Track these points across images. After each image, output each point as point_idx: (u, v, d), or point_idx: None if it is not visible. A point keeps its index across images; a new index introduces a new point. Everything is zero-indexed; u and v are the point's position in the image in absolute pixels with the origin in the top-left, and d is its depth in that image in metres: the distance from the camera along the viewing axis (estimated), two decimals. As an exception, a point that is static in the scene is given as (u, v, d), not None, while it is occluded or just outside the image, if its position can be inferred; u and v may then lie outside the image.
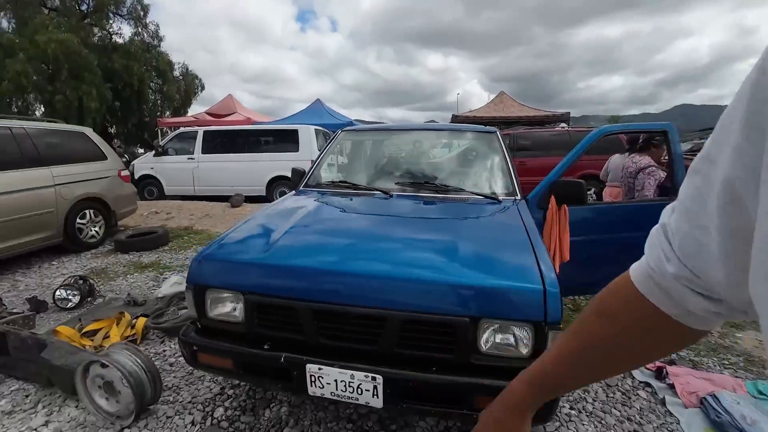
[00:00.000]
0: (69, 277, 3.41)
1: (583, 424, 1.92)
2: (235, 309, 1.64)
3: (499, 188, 2.40)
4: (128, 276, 4.06)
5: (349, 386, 1.46)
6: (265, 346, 1.56)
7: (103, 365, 1.87)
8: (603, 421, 1.95)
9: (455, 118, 10.93)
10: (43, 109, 17.05)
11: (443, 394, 1.41)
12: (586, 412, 2.01)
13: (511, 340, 1.38)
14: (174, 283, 3.51)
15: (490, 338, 1.39)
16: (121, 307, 3.10)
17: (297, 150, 8.41)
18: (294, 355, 1.50)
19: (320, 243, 1.77)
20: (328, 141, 3.07)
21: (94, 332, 2.68)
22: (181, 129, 9.51)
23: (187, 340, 1.65)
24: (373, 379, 1.42)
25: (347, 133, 3.12)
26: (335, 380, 1.46)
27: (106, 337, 2.63)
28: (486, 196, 2.30)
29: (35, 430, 1.88)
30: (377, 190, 2.43)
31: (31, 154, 4.44)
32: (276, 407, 2.03)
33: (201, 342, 1.63)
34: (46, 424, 1.92)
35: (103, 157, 5.43)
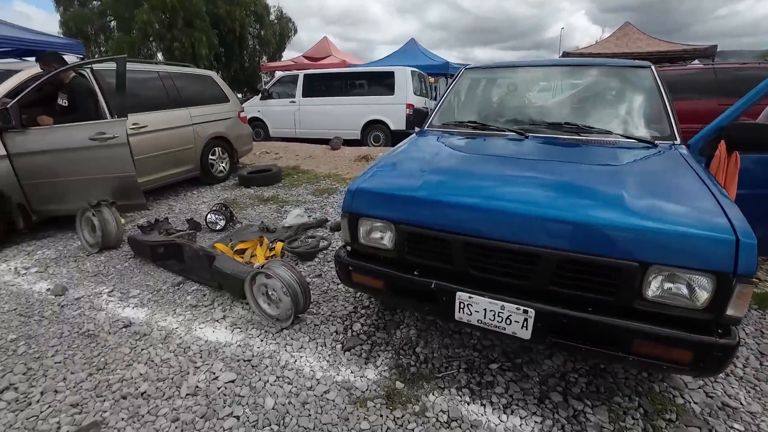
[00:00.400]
0: (215, 205, 3.99)
1: (732, 387, 1.81)
2: (383, 237, 1.78)
3: (654, 131, 2.14)
4: (255, 207, 4.59)
5: (498, 316, 1.54)
6: (415, 273, 1.69)
7: (268, 276, 2.21)
8: (756, 388, 1.81)
9: (567, 56, 9.69)
10: (161, 56, 19.00)
11: (596, 334, 1.42)
12: (735, 376, 1.88)
13: (684, 290, 1.31)
14: (297, 215, 3.90)
15: (658, 285, 1.33)
16: (258, 233, 3.56)
17: (392, 93, 8.33)
18: (444, 283, 1.61)
19: (470, 180, 1.79)
20: (454, 80, 2.97)
21: (242, 251, 3.14)
22: (283, 73, 9.94)
23: (343, 261, 1.87)
24: (525, 312, 1.48)
25: (472, 71, 2.99)
26: (484, 309, 1.55)
27: (253, 255, 3.07)
28: (639, 140, 2.08)
29: (217, 320, 2.34)
30: (511, 131, 2.34)
31: (174, 95, 5.05)
32: (405, 329, 2.24)
33: (357, 264, 1.83)
34: (223, 317, 2.37)
35: (227, 99, 5.98)
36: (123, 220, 3.94)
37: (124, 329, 2.27)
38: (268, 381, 1.86)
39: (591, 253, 1.37)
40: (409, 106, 8.25)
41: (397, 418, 1.66)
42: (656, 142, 2.05)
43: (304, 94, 9.04)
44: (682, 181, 1.60)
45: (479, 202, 1.57)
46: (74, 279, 2.88)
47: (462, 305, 1.60)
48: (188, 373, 1.91)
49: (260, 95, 9.55)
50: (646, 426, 1.61)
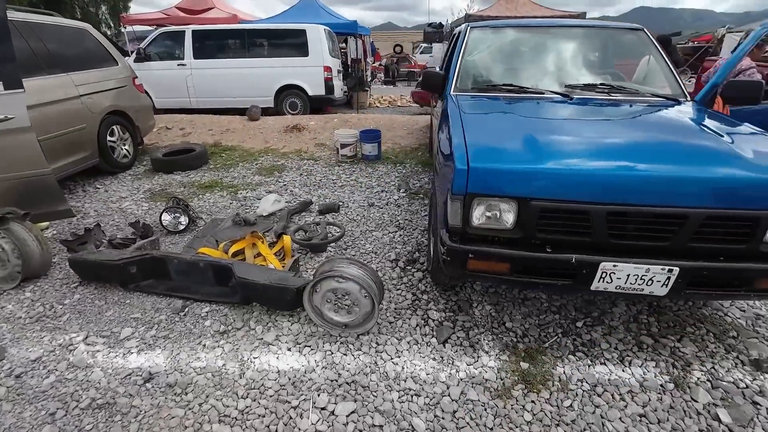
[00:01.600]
0: (169, 200, 3.14)
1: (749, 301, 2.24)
2: (504, 217, 1.63)
3: (672, 89, 2.38)
4: (201, 197, 3.79)
5: (641, 279, 1.57)
6: (548, 249, 1.60)
7: (340, 280, 1.85)
8: None
9: (469, 18, 10.11)
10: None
11: (728, 279, 1.56)
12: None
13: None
14: (274, 201, 3.36)
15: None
16: (237, 228, 2.96)
17: (306, 54, 7.58)
18: (586, 256, 1.56)
19: (586, 147, 1.72)
20: (461, 39, 2.78)
21: (239, 252, 2.58)
22: (162, 28, 8.12)
23: (458, 249, 1.65)
24: (669, 271, 1.53)
25: (479, 30, 2.84)
26: (628, 275, 1.56)
27: (258, 255, 2.55)
28: (666, 97, 2.29)
29: (269, 344, 1.90)
30: (554, 92, 2.33)
31: (44, 57, 3.67)
32: (479, 306, 2.17)
33: (479, 249, 1.64)
34: (276, 338, 1.93)
35: (114, 62, 4.62)
36: (47, 231, 2.87)
37: (149, 385, 1.67)
38: (393, 399, 1.60)
39: (734, 208, 1.48)
40: (327, 69, 7.67)
41: (548, 399, 1.62)
42: (679, 99, 2.29)
43: (196, 56, 7.59)
44: (741, 132, 1.82)
45: (619, 170, 1.53)
46: (6, 334, 1.97)
47: (604, 275, 1.58)
48: (291, 418, 1.52)
49: (134, 56, 7.67)
50: (723, 346, 1.90)
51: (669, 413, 1.55)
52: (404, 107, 10.56)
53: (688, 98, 2.34)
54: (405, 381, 1.69)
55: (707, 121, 1.98)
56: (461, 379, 1.70)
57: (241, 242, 2.62)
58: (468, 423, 1.51)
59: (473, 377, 1.71)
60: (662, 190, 1.50)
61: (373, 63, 12.36)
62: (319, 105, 8.10)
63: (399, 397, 1.61)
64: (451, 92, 2.52)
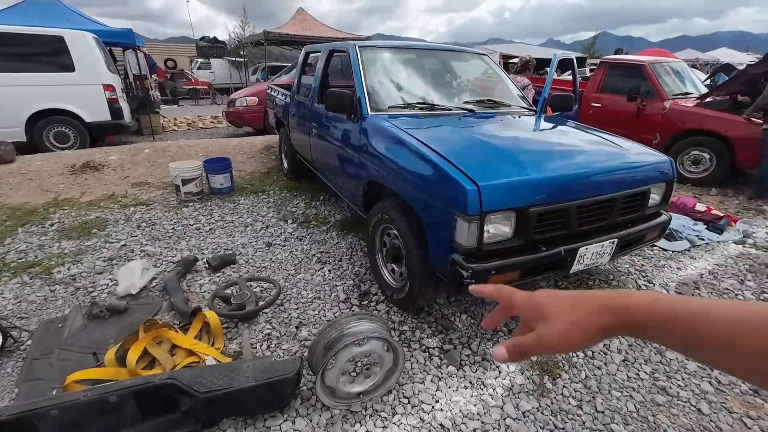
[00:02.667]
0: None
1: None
2: (506, 228, 1.72)
3: (525, 102, 3.01)
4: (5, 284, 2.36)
5: (598, 255, 1.96)
6: (543, 248, 1.79)
7: (360, 344, 1.52)
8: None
9: (268, 34, 9.66)
10: None
11: (637, 238, 2.13)
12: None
13: (657, 197, 2.20)
14: (143, 271, 2.45)
15: (654, 196, 2.16)
16: (101, 324, 2.01)
17: (71, 69, 5.71)
18: (569, 246, 1.82)
19: (545, 155, 1.97)
20: (355, 60, 2.67)
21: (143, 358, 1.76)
22: None
23: (481, 269, 1.63)
24: (612, 242, 1.97)
25: (370, 51, 2.79)
26: (592, 253, 1.92)
27: (173, 351, 1.81)
28: (529, 109, 2.89)
29: (285, 463, 1.40)
30: (462, 109, 2.56)
31: None
32: (455, 318, 2.21)
33: (498, 265, 1.66)
34: (289, 450, 1.43)
35: None
36: None
37: None
38: (472, 449, 1.45)
39: (636, 187, 2.02)
40: (109, 88, 6.02)
41: (570, 377, 1.81)
42: (532, 109, 2.93)
43: None
44: (597, 132, 2.50)
45: (581, 171, 1.85)
46: None
47: (580, 258, 1.89)
48: None
49: None
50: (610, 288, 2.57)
51: (636, 347, 1.99)
52: (209, 129, 9.41)
53: (534, 109, 3.03)
54: (464, 423, 1.56)
55: (572, 125, 2.62)
56: (503, 395, 1.70)
57: (138, 342, 1.79)
58: (542, 430, 1.53)
59: (511, 388, 1.74)
60: (606, 182, 1.91)
61: (156, 80, 10.43)
62: (101, 134, 6.28)
63: (474, 444, 1.48)
64: (370, 113, 2.43)
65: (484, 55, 3.28)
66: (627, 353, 1.96)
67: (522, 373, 1.82)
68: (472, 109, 2.58)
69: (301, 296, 2.38)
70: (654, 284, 2.60)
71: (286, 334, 2.05)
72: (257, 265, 2.75)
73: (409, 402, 1.65)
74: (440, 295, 2.35)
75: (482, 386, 1.74)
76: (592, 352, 1.96)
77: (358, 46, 2.78)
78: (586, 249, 1.88)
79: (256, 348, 1.93)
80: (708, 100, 4.94)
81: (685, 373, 1.84)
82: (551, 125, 2.59)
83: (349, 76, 2.80)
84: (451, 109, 2.58)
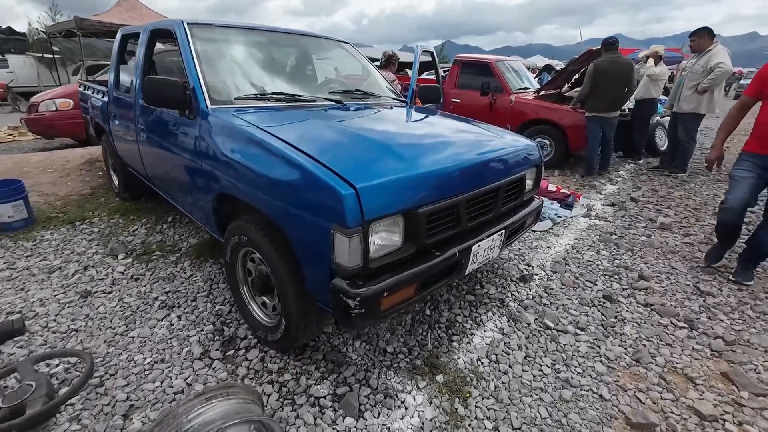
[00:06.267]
0: None
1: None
2: (394, 236, 1.42)
3: (394, 93, 2.80)
4: None
5: (489, 250, 1.82)
6: (437, 252, 1.54)
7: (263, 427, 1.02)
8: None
9: (83, 21, 7.50)
10: None
11: (519, 225, 2.07)
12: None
13: (530, 182, 2.20)
14: None
15: (528, 180, 2.14)
16: None
17: None
18: (462, 246, 1.62)
19: (427, 147, 1.70)
20: (183, 43, 2.04)
21: None
22: None
23: (369, 294, 1.29)
24: (501, 234, 1.86)
25: (207, 30, 2.16)
26: (484, 249, 1.77)
27: None
28: (400, 100, 2.68)
29: None
30: (328, 100, 2.19)
31: None
32: (345, 348, 1.85)
33: (391, 283, 1.34)
34: None
35: None
36: None
37: None
38: None
39: (513, 173, 1.94)
40: None
41: (480, 393, 1.61)
42: (402, 99, 2.75)
43: None
44: (468, 121, 2.42)
45: (467, 161, 1.65)
46: None
47: (474, 257, 1.71)
48: None
49: None
50: (498, 279, 2.55)
51: (533, 339, 1.92)
52: (4, 144, 7.14)
53: (404, 99, 2.86)
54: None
55: (445, 115, 2.49)
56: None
57: None
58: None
59: (421, 427, 1.44)
60: (491, 171, 1.77)
61: None
62: None
63: None
64: (210, 106, 1.87)
65: (346, 43, 2.97)
66: (527, 348, 1.87)
67: (431, 403, 1.55)
68: (339, 100, 2.23)
69: (133, 364, 1.70)
70: (533, 266, 2.67)
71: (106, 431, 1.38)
72: (62, 330, 1.92)
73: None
74: (328, 323, 1.95)
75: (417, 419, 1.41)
76: (496, 356, 1.81)
77: (187, 23, 2.17)
78: (479, 246, 1.71)
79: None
80: (542, 93, 5.64)
81: (579, 356, 1.83)
82: (425, 115, 2.42)
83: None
84: (315, 101, 2.18)
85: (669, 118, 5.27)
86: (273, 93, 2.06)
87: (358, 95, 2.48)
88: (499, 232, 1.84)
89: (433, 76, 8.73)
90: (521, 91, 5.75)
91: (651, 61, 5.60)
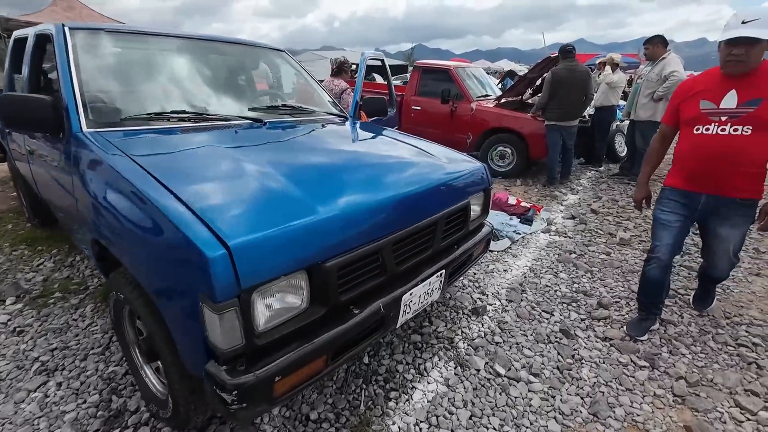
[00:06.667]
0: None
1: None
2: (295, 298, 1.14)
3: (335, 107, 2.52)
4: None
5: (427, 294, 1.57)
6: (356, 310, 1.27)
7: None
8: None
9: (8, 22, 6.74)
10: None
11: (465, 259, 1.83)
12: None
13: (477, 209, 1.97)
14: None
15: (475, 208, 1.91)
16: None
17: None
18: (388, 297, 1.36)
19: (351, 181, 1.43)
20: (60, 49, 1.69)
21: None
22: None
23: (256, 382, 1.00)
24: (440, 274, 1.61)
25: (92, 36, 1.80)
26: (419, 296, 1.51)
27: None
28: (337, 116, 2.40)
29: None
30: (244, 118, 1.88)
31: None
32: (261, 424, 1.55)
33: (283, 364, 1.05)
34: None
35: None
36: None
37: None
38: None
39: (456, 202, 1.70)
40: None
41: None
42: (343, 115, 2.47)
43: None
44: (410, 140, 2.16)
45: (396, 194, 1.39)
46: None
47: (406, 307, 1.45)
48: None
49: None
50: (450, 314, 2.31)
51: (481, 391, 1.68)
52: None
53: (345, 114, 2.58)
54: None
55: (385, 134, 2.22)
56: None
57: None
58: None
59: None
60: (427, 203, 1.51)
61: None
62: None
63: None
64: (85, 129, 1.53)
65: (282, 51, 2.67)
66: (473, 404, 1.63)
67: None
68: (259, 119, 1.93)
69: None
70: (487, 295, 2.45)
71: None
72: None
73: None
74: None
75: None
76: (437, 419, 1.56)
77: (69, 28, 1.81)
78: (411, 294, 1.45)
79: None
80: (503, 101, 5.51)
81: (531, 412, 1.61)
82: (359, 136, 2.15)
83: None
84: (229, 119, 1.87)
85: (628, 124, 5.26)
86: (173, 112, 1.74)
87: (287, 111, 2.18)
88: (439, 273, 1.59)
89: (400, 83, 8.50)
90: (482, 98, 5.60)
91: (608, 68, 5.59)
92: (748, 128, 1.65)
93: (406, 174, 1.60)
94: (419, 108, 5.74)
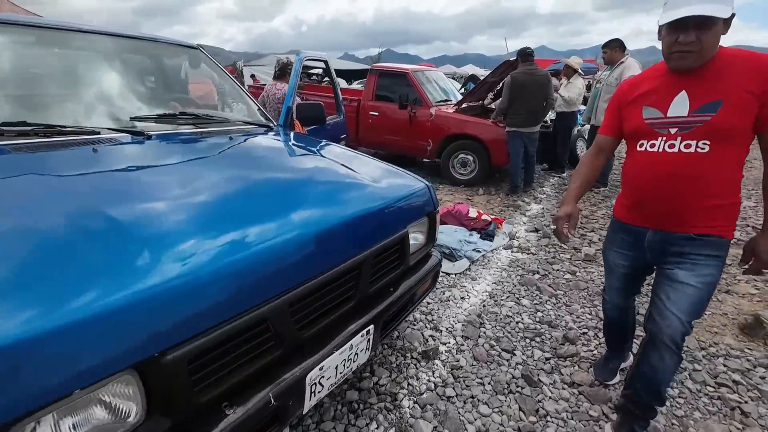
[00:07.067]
0: None
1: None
2: (123, 412, 0.75)
3: (259, 114, 2.12)
4: None
5: (349, 360, 1.21)
6: (229, 410, 0.89)
7: None
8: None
9: None
10: None
11: (405, 303, 1.49)
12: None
13: (424, 232, 1.64)
14: None
15: (416, 236, 1.57)
16: None
17: None
18: (279, 382, 0.99)
19: (223, 217, 1.04)
20: None
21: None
22: None
23: None
24: (367, 332, 1.26)
25: None
26: (336, 367, 1.15)
27: None
28: (258, 124, 2.01)
29: None
30: (117, 130, 1.46)
31: None
32: None
33: None
34: None
35: None
36: None
37: None
38: None
39: (394, 232, 1.36)
40: None
41: None
42: (269, 124, 2.08)
43: None
44: (346, 156, 1.81)
45: (286, 239, 1.02)
46: None
47: (314, 387, 1.08)
48: None
49: None
50: (397, 359, 1.97)
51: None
52: None
53: (273, 123, 2.19)
54: None
55: (314, 149, 1.84)
56: None
57: None
58: None
59: None
60: (337, 247, 1.15)
61: None
62: None
63: None
64: None
65: (196, 49, 2.25)
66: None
67: None
68: (141, 131, 1.50)
69: None
70: (441, 331, 2.12)
71: None
72: None
73: None
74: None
75: None
76: None
77: None
78: (322, 369, 1.09)
79: None
80: (464, 106, 5.28)
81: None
82: (272, 151, 1.76)
83: None
84: (98, 131, 1.43)
85: (588, 129, 5.15)
86: (5, 123, 1.29)
87: (190, 120, 1.77)
88: (365, 331, 1.24)
89: (361, 87, 8.13)
90: (442, 103, 5.35)
91: (564, 79, 5.44)
92: (704, 143, 1.17)
93: (318, 204, 1.24)
94: (377, 114, 5.42)
